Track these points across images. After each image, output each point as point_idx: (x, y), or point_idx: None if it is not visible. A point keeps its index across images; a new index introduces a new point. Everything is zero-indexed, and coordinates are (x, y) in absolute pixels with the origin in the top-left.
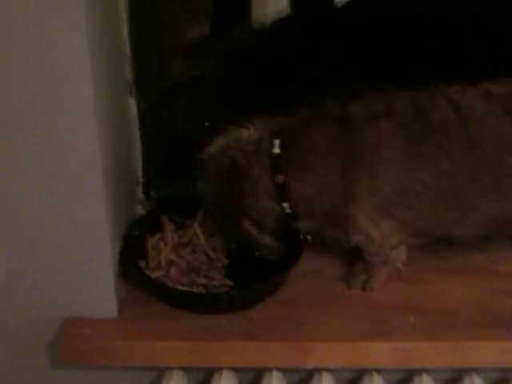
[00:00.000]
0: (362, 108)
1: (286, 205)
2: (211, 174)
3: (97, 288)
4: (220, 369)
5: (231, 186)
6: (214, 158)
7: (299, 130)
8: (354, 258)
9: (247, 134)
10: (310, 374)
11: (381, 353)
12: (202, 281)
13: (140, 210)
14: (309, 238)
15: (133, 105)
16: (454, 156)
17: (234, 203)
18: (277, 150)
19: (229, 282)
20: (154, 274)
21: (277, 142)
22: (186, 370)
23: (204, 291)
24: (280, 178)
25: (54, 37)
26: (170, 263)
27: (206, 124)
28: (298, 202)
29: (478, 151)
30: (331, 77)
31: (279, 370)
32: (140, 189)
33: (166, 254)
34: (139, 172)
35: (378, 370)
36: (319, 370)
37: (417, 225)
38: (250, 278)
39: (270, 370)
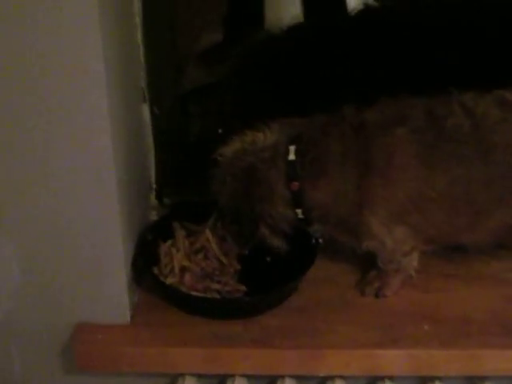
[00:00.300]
0: (377, 115)
1: (299, 210)
2: (227, 176)
3: (110, 294)
4: (233, 375)
5: (248, 190)
6: (229, 160)
7: (315, 136)
8: (367, 266)
9: (263, 138)
10: (323, 382)
11: (394, 360)
12: (216, 286)
13: (153, 217)
14: (321, 241)
15: (146, 111)
16: (468, 163)
17: (250, 207)
18: (292, 157)
19: (242, 288)
20: (168, 281)
21: (292, 148)
22: (198, 376)
23: (218, 297)
24: (295, 185)
25: (68, 43)
26: (183, 269)
27: (220, 131)
28: (312, 208)
29: (492, 158)
30: (346, 83)
31: (292, 377)
32: (153, 195)
33: (179, 260)
34: (152, 178)
35: (392, 378)
36: (332, 378)
37: (430, 231)
38: (263, 284)
39: (282, 377)
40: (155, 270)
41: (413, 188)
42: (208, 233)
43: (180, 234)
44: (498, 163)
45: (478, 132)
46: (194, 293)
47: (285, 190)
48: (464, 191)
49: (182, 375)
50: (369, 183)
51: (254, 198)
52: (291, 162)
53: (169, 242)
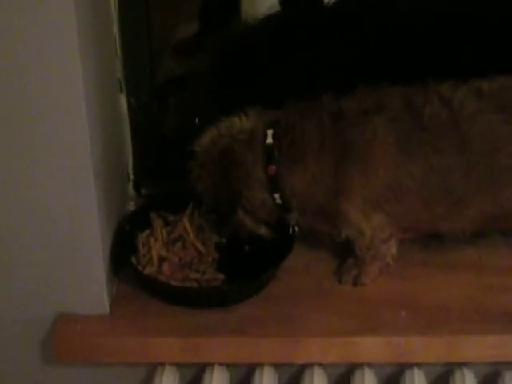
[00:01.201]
0: (355, 103)
1: (277, 195)
2: (204, 163)
3: (88, 284)
4: (212, 364)
5: (224, 172)
6: (206, 147)
7: (293, 122)
8: (344, 254)
9: (239, 122)
10: (301, 370)
11: (372, 348)
12: (195, 275)
13: (131, 207)
14: (296, 229)
15: (123, 102)
16: (445, 152)
17: (227, 190)
18: (270, 140)
19: (221, 276)
20: (146, 271)
21: (270, 132)
22: (178, 365)
23: (197, 286)
24: (272, 169)
25: (44, 34)
26: (162, 259)
27: (197, 121)
28: (289, 193)
29: (469, 148)
30: (323, 73)
31: (271, 365)
32: (131, 186)
33: (157, 250)
34: (130, 169)
35: (370, 365)
36: (311, 365)
37: (408, 219)
38: (241, 273)
39: (261, 365)
40: (133, 260)
41: (390, 176)
42: (185, 222)
43: (157, 223)
44: (474, 152)
45: (455, 121)
46: (172, 282)
47: (262, 174)
48: (441, 180)
49: (162, 365)
50: (346, 171)
51: (231, 179)
52: (268, 145)
53: (146, 232)
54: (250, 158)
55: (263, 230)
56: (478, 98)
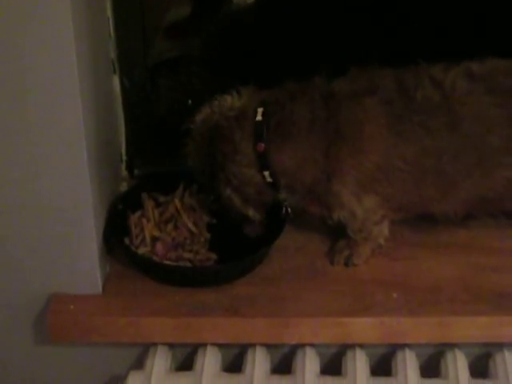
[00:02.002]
0: (346, 85)
1: (266, 173)
2: (195, 139)
3: (81, 264)
4: (204, 344)
5: (212, 146)
6: (199, 124)
7: (283, 101)
8: (336, 235)
9: (231, 100)
10: (293, 350)
11: (364, 328)
12: (188, 255)
13: (124, 188)
14: (289, 210)
15: (116, 83)
16: (436, 134)
17: (213, 164)
18: (259, 118)
19: (213, 256)
20: (140, 251)
21: (260, 110)
22: (170, 345)
23: (190, 265)
24: (261, 146)
25: (38, 16)
26: (154, 239)
27: (190, 102)
28: (278, 172)
29: (460, 130)
30: (316, 54)
31: (263, 345)
32: (124, 166)
33: (150, 230)
34: (123, 150)
35: (361, 346)
36: (303, 346)
37: (399, 201)
38: (233, 252)
39: (253, 345)
40: (126, 241)
41: (382, 158)
42: (177, 202)
43: (149, 204)
44: (466, 134)
45: (446, 104)
46: (167, 262)
47: (250, 150)
48: (433, 162)
49: (154, 344)
50: (338, 152)
51: (217, 152)
52: (258, 122)
53: (138, 213)
54: (238, 134)
55: (251, 212)
56: (469, 80)
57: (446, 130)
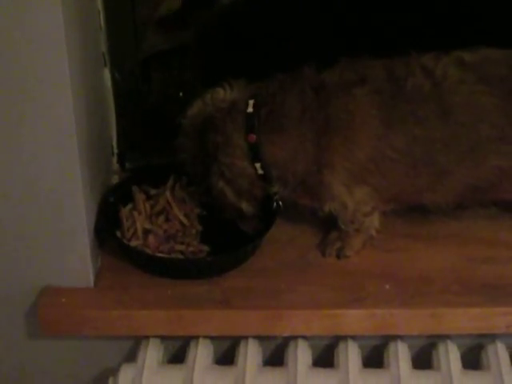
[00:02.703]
0: (337, 75)
1: (258, 165)
2: (187, 132)
3: (73, 257)
4: (196, 337)
5: (204, 138)
6: (191, 117)
7: (274, 93)
8: (328, 227)
9: (223, 92)
10: (285, 342)
11: (356, 320)
12: (180, 247)
13: (115, 181)
14: (281, 204)
15: (107, 76)
16: (427, 123)
17: (207, 156)
18: (250, 109)
19: (206, 248)
20: (132, 244)
21: (251, 101)
22: (162, 338)
23: (183, 257)
24: (252, 137)
25: (27, 8)
26: (146, 232)
27: (181, 95)
28: (270, 163)
29: (451, 119)
30: (309, 46)
31: (255, 337)
32: (115, 160)
33: (142, 223)
34: (114, 143)
35: (354, 337)
36: (295, 338)
37: (391, 191)
38: (225, 244)
39: (246, 337)
40: (118, 234)
41: (373, 148)
42: (168, 195)
43: (140, 197)
44: (457, 124)
45: (437, 93)
46: (160, 254)
47: (242, 142)
48: (424, 151)
49: (146, 337)
50: (328, 143)
51: (209, 144)
52: (249, 114)
53: (129, 206)
54: (230, 125)
55: (244, 205)
56: (460, 68)
57: (436, 119)
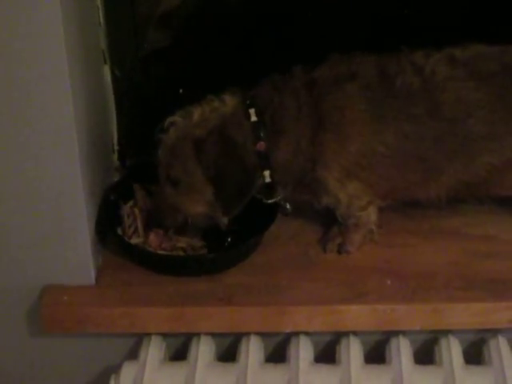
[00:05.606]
0: (327, 72)
1: (267, 173)
2: (176, 154)
3: (74, 255)
4: (198, 334)
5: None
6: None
7: (270, 96)
8: (329, 223)
9: (219, 105)
10: (287, 338)
11: (358, 316)
12: (181, 245)
13: (116, 178)
14: (288, 207)
15: (107, 73)
16: (417, 119)
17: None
18: (254, 118)
19: (207, 245)
20: (133, 241)
21: (252, 110)
22: (164, 335)
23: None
24: (261, 145)
25: (26, 6)
26: (147, 229)
27: (181, 91)
28: (277, 167)
29: (441, 115)
30: (297, 42)
31: (257, 334)
32: (115, 156)
33: (143, 220)
34: (114, 140)
35: (355, 333)
36: (297, 334)
37: (383, 187)
38: (225, 241)
39: (248, 334)
40: (119, 231)
41: (364, 143)
42: None
43: (141, 194)
44: (447, 120)
45: (427, 89)
46: (161, 252)
47: (254, 150)
48: (415, 147)
49: (148, 335)
50: (321, 139)
51: (237, 162)
52: (254, 123)
53: (130, 203)
54: (240, 138)
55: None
56: (450, 65)
57: (426, 116)
